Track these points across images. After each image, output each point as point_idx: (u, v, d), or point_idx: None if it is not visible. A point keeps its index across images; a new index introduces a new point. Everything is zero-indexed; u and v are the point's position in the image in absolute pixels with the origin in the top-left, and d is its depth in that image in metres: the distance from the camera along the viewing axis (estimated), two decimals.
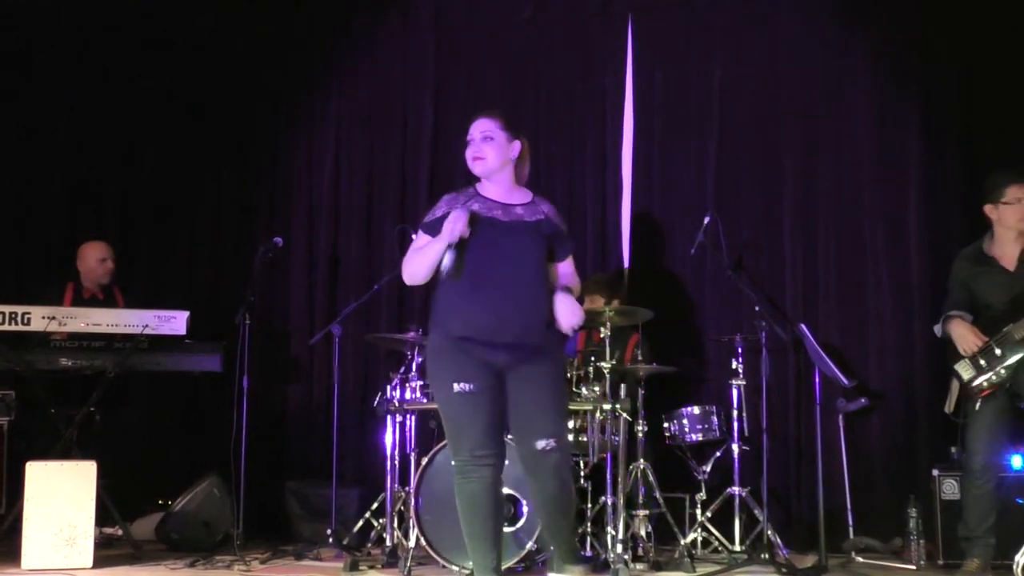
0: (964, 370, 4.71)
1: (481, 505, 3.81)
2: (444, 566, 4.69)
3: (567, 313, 3.84)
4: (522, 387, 3.83)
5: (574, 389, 4.77)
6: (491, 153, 3.92)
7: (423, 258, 3.87)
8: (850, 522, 5.38)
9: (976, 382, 4.67)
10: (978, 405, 4.69)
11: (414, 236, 5.78)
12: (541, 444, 3.78)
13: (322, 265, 6.47)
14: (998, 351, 4.64)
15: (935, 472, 5.10)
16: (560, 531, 3.97)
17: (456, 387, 3.79)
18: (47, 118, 6.54)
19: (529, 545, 4.60)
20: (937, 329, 4.89)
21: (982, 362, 4.67)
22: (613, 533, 4.73)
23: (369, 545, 5.47)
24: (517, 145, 3.98)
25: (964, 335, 4.71)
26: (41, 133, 6.53)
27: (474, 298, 3.81)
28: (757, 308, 5.23)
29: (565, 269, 4.04)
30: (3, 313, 5.04)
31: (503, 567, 4.54)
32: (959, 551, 4.80)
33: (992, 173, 4.85)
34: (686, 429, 5.42)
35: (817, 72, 5.96)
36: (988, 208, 4.80)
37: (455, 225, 3.79)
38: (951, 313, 4.81)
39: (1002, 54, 5.62)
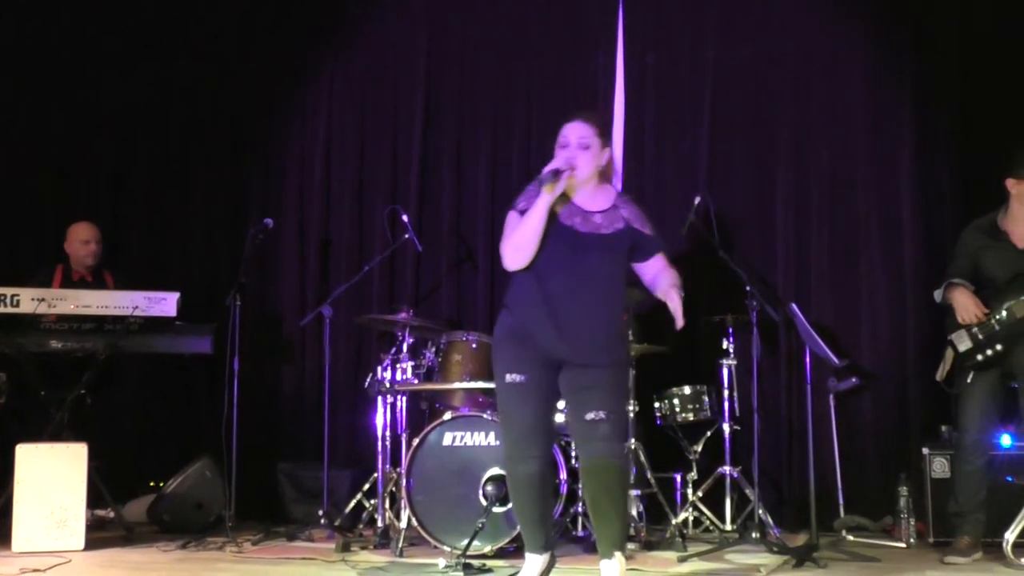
0: (960, 342, 4.70)
1: (527, 491, 3.82)
2: (436, 546, 4.70)
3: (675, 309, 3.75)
4: (577, 371, 3.77)
5: None
6: (585, 164, 3.82)
7: (529, 220, 3.73)
8: (841, 501, 5.38)
9: (971, 355, 4.66)
10: (970, 378, 4.68)
11: (405, 217, 5.84)
12: (590, 416, 3.71)
13: (313, 247, 6.44)
14: (997, 327, 4.63)
15: (925, 451, 5.12)
16: (601, 513, 3.76)
17: (508, 377, 3.78)
18: (40, 97, 6.50)
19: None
20: (937, 295, 4.84)
21: (979, 336, 4.66)
22: None
23: (361, 526, 5.47)
24: (608, 153, 3.89)
25: (966, 304, 4.66)
26: (33, 112, 6.48)
27: (539, 310, 3.75)
28: (748, 288, 5.23)
29: (654, 267, 3.92)
30: None
31: (496, 547, 4.59)
32: (949, 529, 4.83)
33: (1022, 147, 4.73)
34: (677, 409, 5.43)
35: (811, 53, 5.93)
36: (1010, 182, 4.70)
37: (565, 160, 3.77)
38: (954, 280, 4.75)
39: (997, 34, 5.61)
